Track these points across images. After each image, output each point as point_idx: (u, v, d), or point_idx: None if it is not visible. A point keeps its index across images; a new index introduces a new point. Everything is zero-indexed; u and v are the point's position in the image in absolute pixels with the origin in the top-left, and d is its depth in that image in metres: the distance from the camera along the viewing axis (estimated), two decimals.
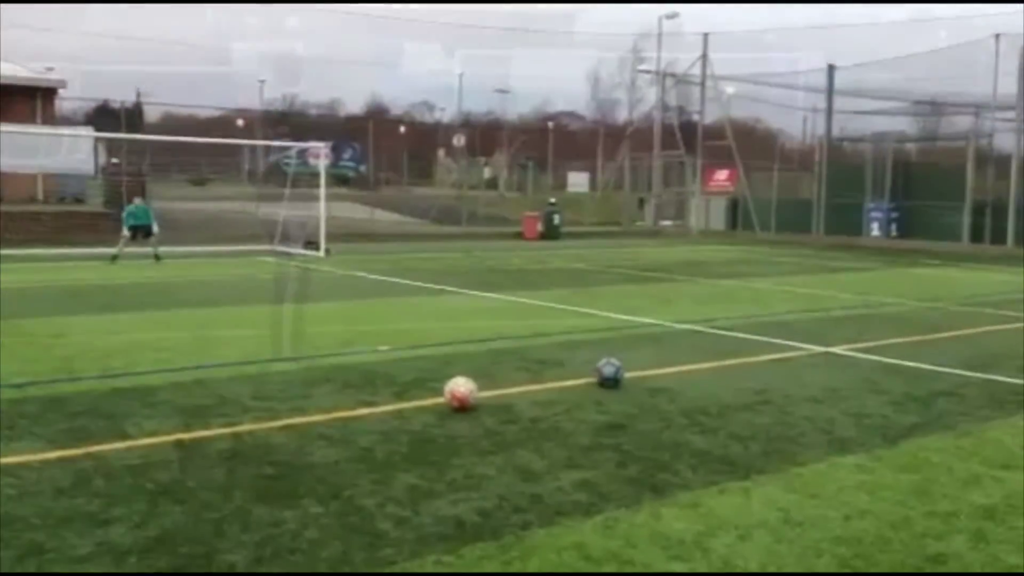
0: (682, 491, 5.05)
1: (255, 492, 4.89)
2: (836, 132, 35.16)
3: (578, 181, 49.46)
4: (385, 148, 44.79)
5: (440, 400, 6.78)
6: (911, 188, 31.23)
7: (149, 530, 4.33)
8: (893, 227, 31.21)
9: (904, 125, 35.52)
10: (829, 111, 34.37)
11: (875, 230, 31.60)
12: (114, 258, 18.33)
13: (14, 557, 3.99)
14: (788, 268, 20.66)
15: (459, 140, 45.69)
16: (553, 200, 33.91)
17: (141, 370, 7.95)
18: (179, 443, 5.75)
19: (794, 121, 42.26)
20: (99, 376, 7.68)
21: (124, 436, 5.88)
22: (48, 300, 12.67)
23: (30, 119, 28.02)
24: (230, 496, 4.82)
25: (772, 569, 4.05)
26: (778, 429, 6.43)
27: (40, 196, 28.58)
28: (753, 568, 4.05)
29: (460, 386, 6.76)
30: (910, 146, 36.25)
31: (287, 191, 24.48)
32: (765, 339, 10.31)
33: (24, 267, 17.23)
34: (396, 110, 79.69)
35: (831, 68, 33.67)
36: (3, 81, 28.63)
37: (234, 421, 6.30)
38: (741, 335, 10.62)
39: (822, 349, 9.73)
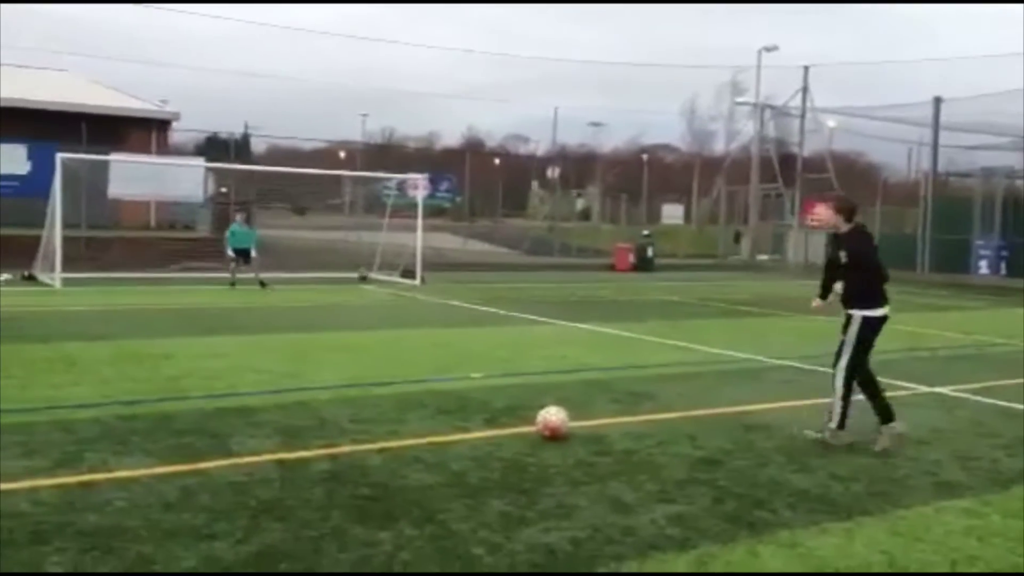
0: (781, 530, 4.94)
1: (352, 512, 4.99)
2: (942, 166, 34.06)
3: (672, 213, 49.15)
4: (480, 180, 45.36)
5: (532, 428, 6.80)
6: (1022, 225, 29.97)
7: (251, 545, 4.46)
8: (1002, 265, 29.96)
9: (1014, 160, 34.19)
10: (935, 145, 33.33)
11: (983, 268, 30.37)
12: (232, 284, 18.93)
13: (124, 568, 4.15)
14: (891, 305, 19.99)
15: (553, 172, 45.96)
16: (647, 232, 33.72)
17: (244, 391, 8.20)
18: (280, 462, 5.91)
19: (898, 155, 41.17)
20: (205, 396, 7.96)
21: (228, 454, 6.07)
22: (158, 322, 13.20)
23: (145, 149, 29.36)
24: (328, 515, 4.93)
25: None
26: (881, 470, 6.23)
27: (153, 223, 29.86)
28: None
29: (552, 415, 6.77)
30: (1020, 182, 34.84)
31: (386, 221, 25.01)
32: None
33: (137, 290, 18.02)
34: (491, 142, 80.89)
35: (937, 101, 32.71)
36: (122, 113, 30.16)
37: (333, 442, 6.44)
38: None
39: (927, 389, 9.39)
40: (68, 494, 5.15)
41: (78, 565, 4.14)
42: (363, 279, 21.99)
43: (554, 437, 6.64)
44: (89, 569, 4.10)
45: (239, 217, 20.73)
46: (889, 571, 4.38)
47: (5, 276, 19.20)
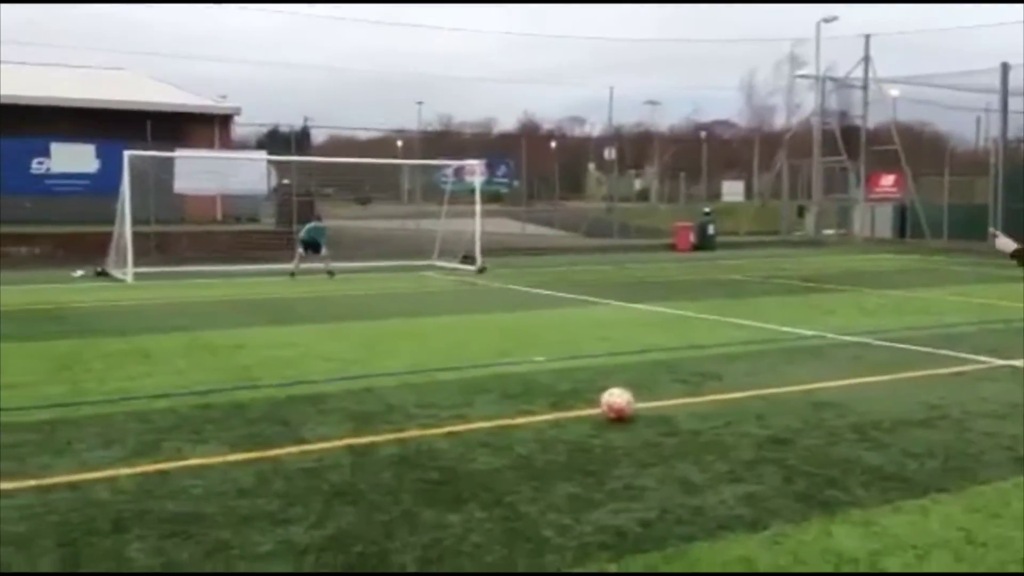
0: (854, 508, 4.87)
1: (422, 496, 5.05)
2: (1012, 133, 32.98)
3: (733, 190, 48.36)
4: (537, 163, 45.25)
5: (597, 411, 6.79)
6: None
7: (325, 529, 4.55)
8: None
9: None
10: (1004, 112, 32.28)
11: None
12: (292, 274, 19.32)
13: (202, 553, 4.26)
14: (962, 277, 19.50)
15: (610, 153, 45.62)
16: (707, 210, 33.30)
17: (314, 379, 8.35)
18: (350, 448, 6.01)
19: (966, 123, 39.96)
20: (276, 384, 8.12)
21: (300, 440, 6.19)
22: (228, 314, 13.49)
23: (208, 144, 29.97)
24: (399, 499, 5.01)
25: None
26: (956, 446, 6.09)
27: (219, 216, 30.48)
28: None
29: (617, 397, 6.75)
30: None
31: (444, 208, 25.15)
32: (939, 351, 9.78)
33: (206, 283, 18.43)
34: (548, 125, 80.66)
35: (1005, 67, 31.63)
36: (184, 110, 30.79)
37: (400, 427, 6.53)
38: (911, 347, 10.11)
39: (1003, 363, 9.13)
40: (146, 482, 5.31)
41: (159, 551, 4.27)
42: (466, 258, 21.96)
43: (619, 419, 6.63)
44: (171, 555, 4.23)
45: (314, 220, 21.11)
46: (965, 547, 4.29)
47: (79, 272, 19.81)
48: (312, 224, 20.56)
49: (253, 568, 4.09)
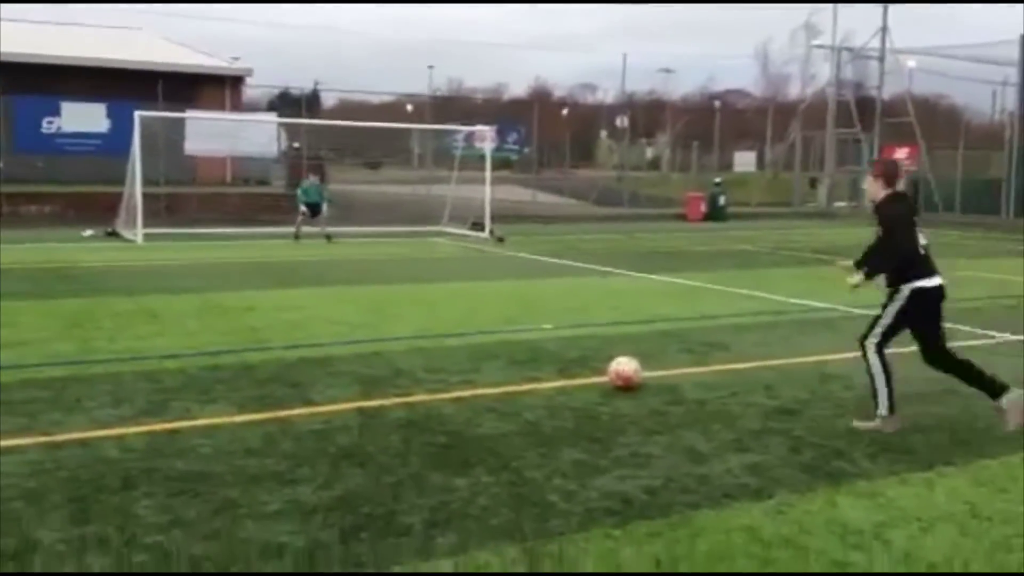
0: (860, 480, 4.88)
1: (429, 459, 5.08)
2: None
3: (745, 160, 48.10)
4: (548, 130, 44.99)
5: (604, 379, 6.80)
6: None
7: (333, 490, 4.58)
8: None
9: None
10: (1022, 85, 31.92)
11: None
12: (296, 237, 19.28)
13: (210, 511, 4.30)
14: (975, 251, 19.38)
15: (622, 121, 45.32)
16: (719, 180, 33.11)
17: (323, 341, 8.37)
18: (359, 410, 6.04)
19: (982, 97, 39.55)
20: (285, 346, 8.15)
21: (308, 402, 6.22)
22: (238, 276, 13.52)
23: (220, 106, 29.85)
24: (407, 461, 5.04)
25: (957, 563, 3.85)
26: (965, 420, 6.08)
27: (229, 178, 30.45)
28: (938, 560, 3.87)
29: (624, 365, 6.76)
30: None
31: (454, 174, 25.05)
32: (951, 326, 9.68)
33: (216, 244, 18.45)
34: (559, 92, 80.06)
35: None
36: (196, 70, 30.64)
37: (409, 392, 6.55)
38: None
39: (1015, 338, 9.12)
40: (155, 441, 5.35)
41: (167, 509, 4.30)
42: (476, 225, 21.84)
43: (626, 387, 6.64)
44: (178, 513, 4.26)
45: (311, 177, 21.01)
46: (971, 521, 4.29)
47: (89, 232, 19.85)
48: (309, 183, 20.33)
49: (261, 527, 4.12)
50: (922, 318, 5.83)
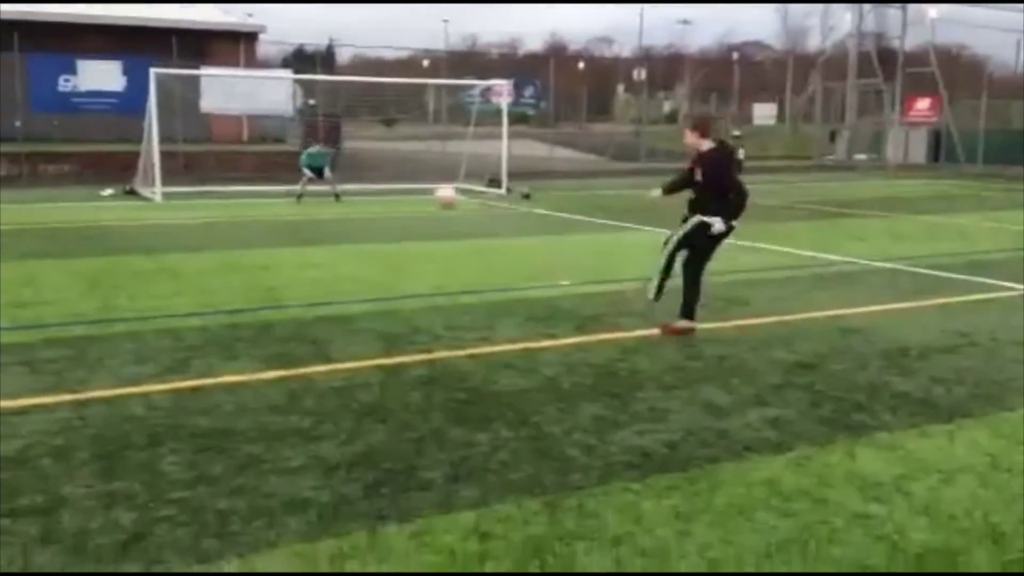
0: (880, 432, 4.88)
1: (450, 415, 5.12)
2: None
3: (764, 113, 47.42)
4: (564, 85, 44.55)
5: (622, 335, 6.81)
6: None
7: (356, 446, 4.63)
8: None
9: None
10: None
11: None
12: (299, 197, 19.13)
13: (235, 467, 4.35)
14: (997, 203, 19.17)
15: (639, 74, 44.78)
16: (737, 133, 32.73)
17: (341, 299, 8.40)
18: (379, 367, 6.08)
19: (1006, 46, 38.79)
20: (303, 304, 8.19)
21: (329, 360, 6.27)
22: (255, 234, 13.55)
23: (233, 63, 29.67)
24: (428, 417, 5.08)
25: (978, 515, 3.86)
26: (985, 372, 6.06)
27: (245, 137, 30.39)
28: (958, 512, 3.88)
29: (442, 191, 6.92)
30: None
31: (471, 129, 24.89)
32: (970, 278, 9.68)
33: (231, 203, 18.48)
34: (575, 46, 79.15)
35: None
36: (210, 27, 30.45)
37: (428, 349, 6.58)
38: (943, 274, 10.01)
39: None
40: (179, 398, 5.41)
41: (193, 465, 4.36)
42: (493, 181, 21.68)
43: (450, 206, 6.69)
44: (204, 469, 4.33)
45: (316, 146, 20.79)
46: (991, 472, 4.29)
47: (108, 191, 19.92)
48: (313, 149, 20.14)
49: (285, 482, 4.17)
50: (699, 242, 7.09)
